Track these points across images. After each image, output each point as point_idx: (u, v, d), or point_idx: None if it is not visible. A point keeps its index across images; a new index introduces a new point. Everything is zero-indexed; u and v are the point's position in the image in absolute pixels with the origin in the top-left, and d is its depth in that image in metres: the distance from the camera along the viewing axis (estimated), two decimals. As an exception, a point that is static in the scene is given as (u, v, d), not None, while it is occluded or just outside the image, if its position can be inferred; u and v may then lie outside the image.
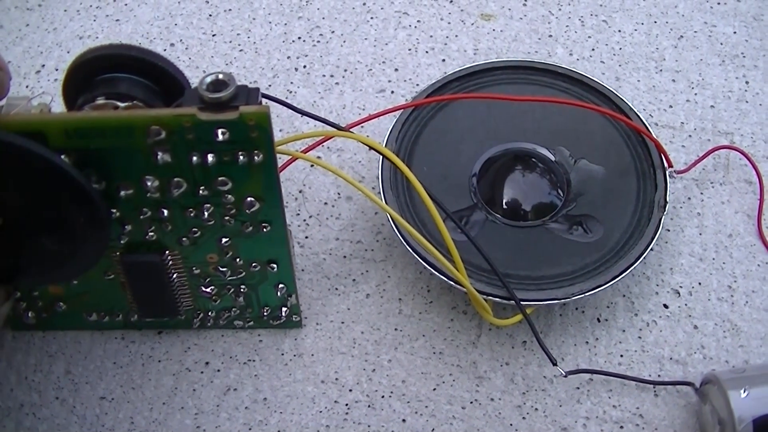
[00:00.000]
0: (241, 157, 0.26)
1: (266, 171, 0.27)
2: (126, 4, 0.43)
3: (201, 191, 0.27)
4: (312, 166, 0.37)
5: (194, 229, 0.29)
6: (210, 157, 0.26)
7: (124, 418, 0.32)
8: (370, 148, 0.30)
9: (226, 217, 0.28)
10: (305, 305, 0.34)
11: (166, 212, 0.28)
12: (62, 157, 0.25)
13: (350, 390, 0.32)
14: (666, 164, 0.35)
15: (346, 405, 0.32)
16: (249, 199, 0.27)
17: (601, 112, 0.35)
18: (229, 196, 0.27)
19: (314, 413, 0.32)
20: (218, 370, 0.33)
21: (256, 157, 0.26)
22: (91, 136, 0.25)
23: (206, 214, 0.28)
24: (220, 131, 0.25)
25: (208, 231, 0.29)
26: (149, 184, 0.27)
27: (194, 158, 0.26)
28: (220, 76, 0.25)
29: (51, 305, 0.32)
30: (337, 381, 0.32)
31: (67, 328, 0.34)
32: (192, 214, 0.28)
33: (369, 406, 0.32)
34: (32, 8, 0.44)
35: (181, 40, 0.42)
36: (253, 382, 0.32)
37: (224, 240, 0.29)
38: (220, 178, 0.27)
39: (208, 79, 0.25)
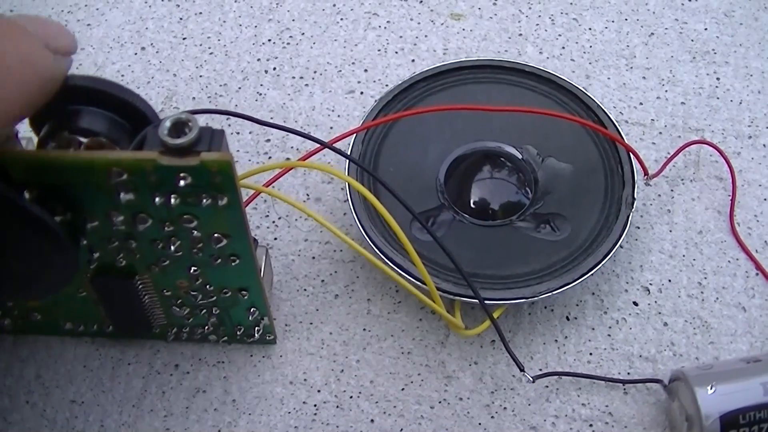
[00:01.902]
0: (205, 200, 0.25)
1: (231, 211, 0.26)
2: (97, 9, 0.43)
3: (167, 227, 0.27)
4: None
5: (163, 259, 0.28)
6: (173, 199, 0.25)
7: (94, 420, 0.32)
8: (334, 175, 0.30)
9: (194, 250, 0.28)
10: (274, 307, 0.34)
11: (134, 243, 0.28)
12: (24, 192, 0.25)
13: (318, 391, 0.32)
14: (642, 172, 0.35)
15: (315, 406, 0.32)
16: (216, 235, 0.27)
17: (582, 124, 0.34)
18: (196, 233, 0.27)
19: (283, 414, 0.32)
20: (187, 373, 0.33)
21: (220, 201, 0.25)
22: (52, 173, 0.25)
23: (173, 247, 0.27)
24: (181, 175, 0.25)
25: (176, 261, 0.28)
26: (115, 219, 0.26)
27: (157, 199, 0.25)
28: (182, 117, 0.24)
29: (26, 315, 0.32)
30: (305, 382, 0.32)
31: (44, 334, 0.33)
32: (160, 246, 0.28)
33: (337, 406, 0.32)
34: (3, 13, 0.44)
35: (152, 44, 0.42)
36: (222, 383, 0.32)
37: (193, 269, 0.29)
38: (185, 216, 0.26)
39: (168, 123, 0.24)
